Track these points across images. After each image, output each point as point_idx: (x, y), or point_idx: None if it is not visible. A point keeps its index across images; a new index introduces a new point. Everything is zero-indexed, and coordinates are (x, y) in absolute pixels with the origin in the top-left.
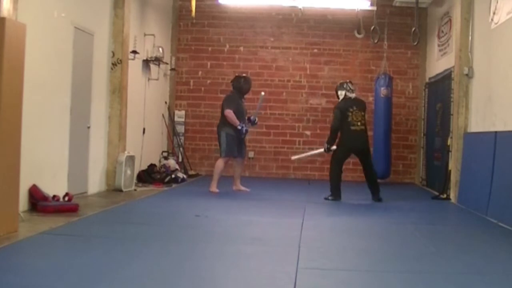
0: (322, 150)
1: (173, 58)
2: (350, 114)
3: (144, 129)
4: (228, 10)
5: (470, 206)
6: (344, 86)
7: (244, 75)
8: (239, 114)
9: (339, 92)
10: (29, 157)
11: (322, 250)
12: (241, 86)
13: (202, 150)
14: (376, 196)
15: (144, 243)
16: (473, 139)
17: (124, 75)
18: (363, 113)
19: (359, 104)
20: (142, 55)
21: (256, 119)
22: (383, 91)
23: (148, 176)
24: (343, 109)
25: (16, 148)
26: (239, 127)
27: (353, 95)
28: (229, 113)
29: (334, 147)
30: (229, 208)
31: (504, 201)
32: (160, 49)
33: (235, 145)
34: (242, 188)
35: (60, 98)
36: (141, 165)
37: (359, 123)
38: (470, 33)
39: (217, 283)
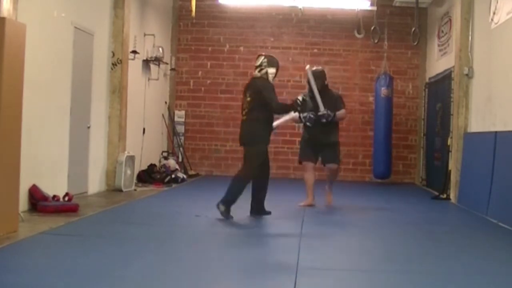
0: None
1: (173, 58)
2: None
3: (144, 129)
4: (228, 10)
5: (470, 206)
6: None
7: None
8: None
9: None
10: (29, 157)
11: (322, 250)
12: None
13: (202, 150)
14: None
15: (144, 243)
16: (473, 139)
17: (124, 75)
18: (248, 99)
19: (251, 85)
20: (142, 55)
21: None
22: (383, 91)
23: (148, 176)
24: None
25: (16, 148)
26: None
27: (256, 73)
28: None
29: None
30: None
31: (504, 201)
32: (160, 49)
33: (307, 148)
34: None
35: (60, 98)
36: (141, 165)
37: (243, 112)
38: (470, 33)
39: (217, 283)
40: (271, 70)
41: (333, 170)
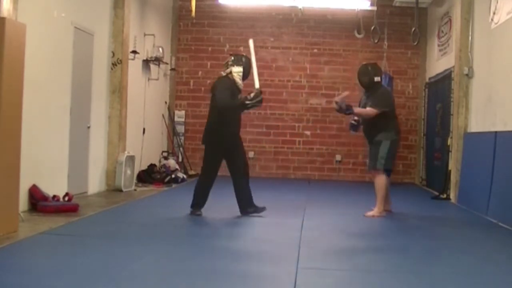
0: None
1: (173, 58)
2: None
3: (144, 129)
4: (228, 10)
5: (470, 206)
6: None
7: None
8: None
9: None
10: (29, 157)
11: (322, 250)
12: None
13: (202, 150)
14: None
15: (144, 243)
16: (473, 139)
17: (124, 75)
18: (212, 98)
19: (213, 86)
20: (142, 55)
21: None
22: None
23: (148, 176)
24: None
25: (16, 148)
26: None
27: (221, 72)
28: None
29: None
30: (229, 208)
31: (504, 201)
32: (160, 49)
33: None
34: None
35: (60, 98)
36: (141, 165)
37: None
38: (470, 33)
39: (217, 283)
40: (236, 69)
41: (372, 177)
